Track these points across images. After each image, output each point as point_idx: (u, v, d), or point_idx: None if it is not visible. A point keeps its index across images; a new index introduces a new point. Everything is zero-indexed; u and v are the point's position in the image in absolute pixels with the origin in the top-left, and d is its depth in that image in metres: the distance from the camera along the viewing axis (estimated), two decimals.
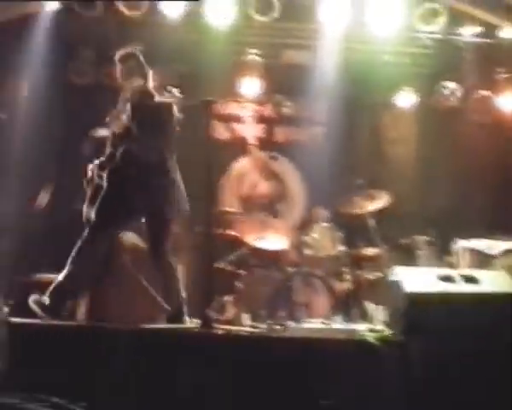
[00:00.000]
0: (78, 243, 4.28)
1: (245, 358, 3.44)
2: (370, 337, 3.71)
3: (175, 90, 5.44)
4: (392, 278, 4.20)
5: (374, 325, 4.86)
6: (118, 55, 4.68)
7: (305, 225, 6.96)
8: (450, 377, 3.50)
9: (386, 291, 4.67)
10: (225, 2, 6.51)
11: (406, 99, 7.60)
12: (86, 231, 4.32)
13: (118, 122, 4.32)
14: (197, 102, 4.95)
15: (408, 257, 6.46)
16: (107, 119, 4.37)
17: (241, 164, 7.87)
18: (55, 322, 4.04)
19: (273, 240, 6.41)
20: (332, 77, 7.25)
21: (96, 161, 4.46)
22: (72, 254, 4.26)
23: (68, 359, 3.44)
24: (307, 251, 6.43)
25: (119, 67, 4.62)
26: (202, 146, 4.71)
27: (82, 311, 4.98)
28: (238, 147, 7.85)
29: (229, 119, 7.88)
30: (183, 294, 4.55)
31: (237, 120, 7.91)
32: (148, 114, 4.33)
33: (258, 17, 6.55)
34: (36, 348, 3.49)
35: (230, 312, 6.04)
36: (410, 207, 7.19)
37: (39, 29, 6.23)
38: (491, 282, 3.93)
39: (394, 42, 6.96)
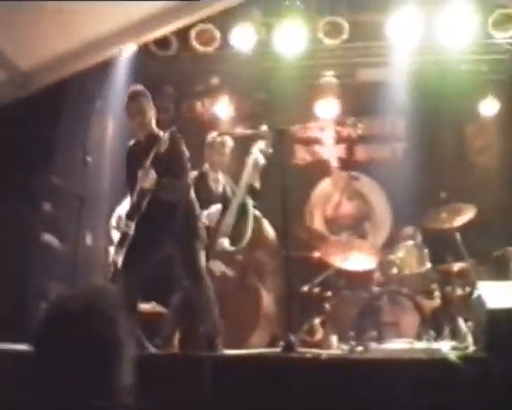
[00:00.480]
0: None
1: (321, 379, 3.46)
2: (452, 356, 3.63)
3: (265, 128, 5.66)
4: (476, 293, 4.11)
5: (465, 342, 4.75)
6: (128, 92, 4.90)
7: (391, 244, 6.87)
8: None
9: (472, 308, 4.57)
10: (294, 30, 6.60)
11: (488, 107, 7.39)
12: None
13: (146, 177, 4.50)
14: (274, 131, 5.09)
15: (500, 270, 6.26)
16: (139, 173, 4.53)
17: (324, 185, 7.90)
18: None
19: (359, 260, 6.38)
20: (409, 91, 7.22)
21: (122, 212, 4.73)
22: None
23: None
24: (394, 270, 6.34)
25: (128, 104, 4.81)
26: (284, 171, 4.82)
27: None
28: (320, 169, 7.89)
29: (309, 142, 7.96)
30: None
31: (317, 142, 7.97)
32: (161, 157, 4.53)
33: (328, 40, 6.61)
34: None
35: (319, 334, 6.08)
36: (498, 217, 6.95)
37: (120, 72, 6.54)
38: None
39: (470, 50, 6.83)
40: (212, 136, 5.95)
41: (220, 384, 3.64)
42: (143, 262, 4.62)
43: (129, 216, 4.60)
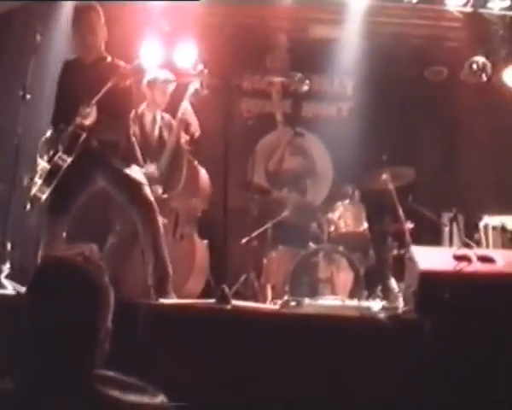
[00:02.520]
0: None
1: (253, 334, 3.49)
2: (382, 315, 3.72)
3: (201, 67, 5.52)
4: (409, 255, 4.20)
5: (395, 302, 4.87)
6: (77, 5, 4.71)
7: (330, 202, 6.94)
8: (461, 356, 3.50)
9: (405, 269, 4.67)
10: None
11: (435, 74, 7.47)
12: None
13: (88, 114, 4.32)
14: (224, 81, 5.00)
15: (434, 234, 6.43)
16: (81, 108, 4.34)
17: (268, 139, 7.87)
18: None
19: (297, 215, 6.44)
20: (359, 52, 7.21)
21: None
22: None
23: None
24: (331, 228, 6.41)
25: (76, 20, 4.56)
26: (230, 123, 4.77)
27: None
28: (265, 123, 7.84)
29: (255, 95, 7.89)
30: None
31: (264, 95, 7.90)
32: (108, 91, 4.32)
33: None
34: None
35: (255, 287, 6.13)
36: (436, 182, 7.10)
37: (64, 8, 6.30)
38: (508, 262, 3.90)
39: (422, 15, 6.87)
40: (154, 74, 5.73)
41: (153, 334, 3.63)
42: (72, 205, 4.50)
43: (65, 150, 4.37)
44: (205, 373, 3.49)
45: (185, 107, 5.69)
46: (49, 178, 4.37)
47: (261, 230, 6.36)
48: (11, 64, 6.00)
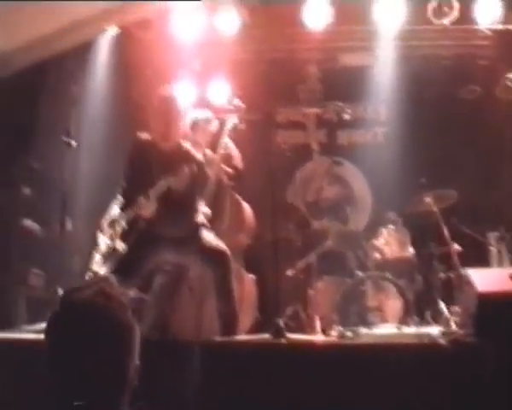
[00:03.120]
0: None
1: (316, 365, 3.46)
2: (443, 340, 3.66)
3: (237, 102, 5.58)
4: (464, 278, 4.14)
5: (448, 326, 4.78)
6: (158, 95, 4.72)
7: (372, 229, 6.89)
8: None
9: (458, 292, 4.60)
10: None
11: (468, 93, 7.44)
12: None
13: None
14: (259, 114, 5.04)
15: (480, 255, 6.32)
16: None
17: (305, 170, 7.88)
18: None
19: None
20: (391, 76, 7.21)
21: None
22: None
23: None
24: (376, 254, 6.36)
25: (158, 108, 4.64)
26: (267, 155, 4.78)
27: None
28: (301, 154, 7.85)
29: (290, 126, 7.93)
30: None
31: (299, 126, 7.93)
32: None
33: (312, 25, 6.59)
34: None
35: (303, 319, 6.08)
36: (478, 201, 7.01)
37: (101, 55, 6.43)
38: None
39: (452, 36, 6.87)
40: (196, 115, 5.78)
41: (209, 370, 3.62)
42: (137, 272, 4.57)
43: (124, 236, 4.45)
44: (265, 408, 3.47)
45: (225, 141, 5.72)
46: (107, 259, 4.48)
47: (305, 261, 6.32)
48: (50, 112, 6.12)
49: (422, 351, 3.60)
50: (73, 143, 4.82)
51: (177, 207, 4.42)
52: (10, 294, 5.75)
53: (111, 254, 4.47)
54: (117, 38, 6.43)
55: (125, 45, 6.67)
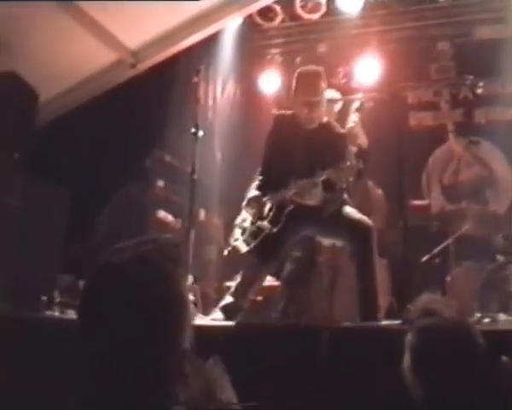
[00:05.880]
0: None
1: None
2: None
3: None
4: None
5: None
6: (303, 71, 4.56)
7: None
8: None
9: None
10: None
11: None
12: None
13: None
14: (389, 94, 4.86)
15: None
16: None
17: (441, 152, 7.54)
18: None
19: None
20: None
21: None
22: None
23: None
24: None
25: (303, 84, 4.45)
26: (400, 137, 4.60)
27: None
28: (436, 135, 7.53)
29: (423, 107, 7.62)
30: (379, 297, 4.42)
31: (432, 107, 7.60)
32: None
33: None
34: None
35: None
36: None
37: (225, 46, 6.51)
38: None
39: None
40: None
41: (338, 357, 3.52)
42: (279, 252, 4.52)
43: (270, 220, 4.34)
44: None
45: (353, 119, 5.56)
46: (251, 237, 4.43)
47: (442, 246, 6.05)
48: (179, 105, 6.27)
49: None
50: (201, 133, 4.88)
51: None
52: None
53: (255, 232, 4.43)
54: (241, 28, 6.48)
55: (248, 34, 6.72)
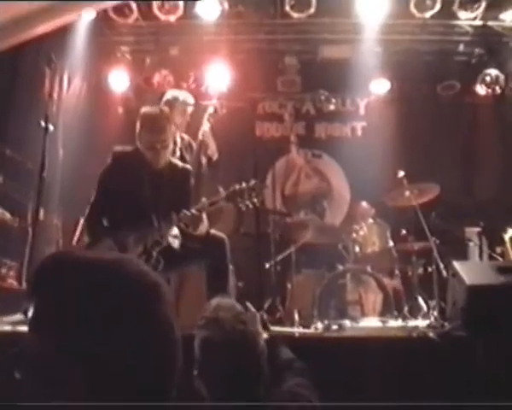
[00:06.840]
0: None
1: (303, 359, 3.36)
2: (432, 334, 3.61)
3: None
4: (451, 271, 4.09)
5: (429, 320, 4.74)
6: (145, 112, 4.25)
7: (349, 222, 6.84)
8: None
9: (443, 286, 4.55)
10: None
11: (446, 88, 7.45)
12: None
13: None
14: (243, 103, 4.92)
15: (457, 250, 6.30)
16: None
17: (283, 163, 7.80)
18: None
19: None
20: (370, 70, 7.17)
21: None
22: None
23: None
24: (356, 248, 6.31)
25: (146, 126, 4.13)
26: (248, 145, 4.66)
27: None
28: (279, 146, 7.77)
29: (270, 118, 7.84)
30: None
31: (277, 118, 7.85)
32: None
33: (294, 14, 6.50)
34: None
35: (281, 312, 5.99)
36: (458, 198, 7.00)
37: (78, 39, 6.25)
38: None
39: (435, 31, 6.86)
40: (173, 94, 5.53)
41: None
42: None
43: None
44: None
45: (205, 129, 5.56)
46: None
47: (284, 254, 6.24)
48: (27, 96, 5.91)
49: (412, 344, 3.53)
50: (51, 127, 4.59)
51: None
52: None
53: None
54: (94, 22, 6.25)
55: (101, 30, 6.51)
